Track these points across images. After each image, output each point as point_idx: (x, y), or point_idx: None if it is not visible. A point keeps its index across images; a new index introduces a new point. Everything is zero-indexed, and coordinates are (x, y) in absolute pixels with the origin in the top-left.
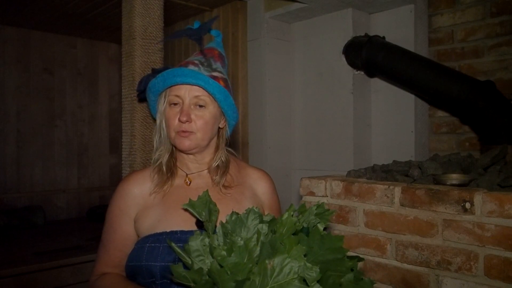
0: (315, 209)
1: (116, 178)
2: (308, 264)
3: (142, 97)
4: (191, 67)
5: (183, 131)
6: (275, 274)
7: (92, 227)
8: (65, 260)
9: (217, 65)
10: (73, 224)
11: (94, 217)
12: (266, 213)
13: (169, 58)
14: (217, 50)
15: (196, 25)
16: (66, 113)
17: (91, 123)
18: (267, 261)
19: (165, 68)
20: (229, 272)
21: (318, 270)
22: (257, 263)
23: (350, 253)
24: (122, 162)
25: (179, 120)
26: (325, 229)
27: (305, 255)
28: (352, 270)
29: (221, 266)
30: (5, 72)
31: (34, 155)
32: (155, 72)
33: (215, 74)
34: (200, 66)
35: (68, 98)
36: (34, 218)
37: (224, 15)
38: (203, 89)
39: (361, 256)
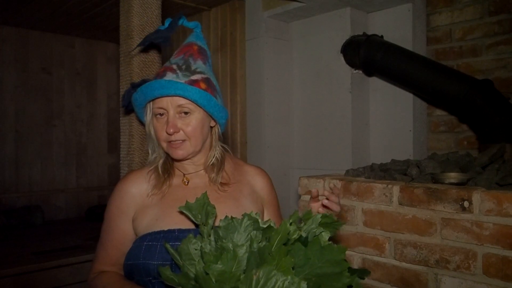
0: (320, 218)
1: (114, 178)
2: (296, 278)
3: (129, 109)
4: (169, 75)
5: (174, 141)
6: (259, 286)
7: (90, 227)
8: (64, 260)
9: (197, 64)
10: (72, 224)
11: (93, 216)
12: (266, 208)
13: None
14: (197, 44)
15: (166, 23)
16: (65, 112)
17: (90, 123)
18: (253, 271)
19: (143, 81)
20: (214, 280)
21: (306, 285)
22: (244, 272)
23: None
24: (121, 161)
25: (167, 132)
26: (331, 238)
27: (295, 267)
28: (351, 286)
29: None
30: (3, 71)
31: (32, 155)
32: (134, 86)
33: (194, 77)
34: (178, 72)
35: (66, 97)
36: (33, 218)
37: (223, 14)
38: (184, 97)
39: (362, 256)
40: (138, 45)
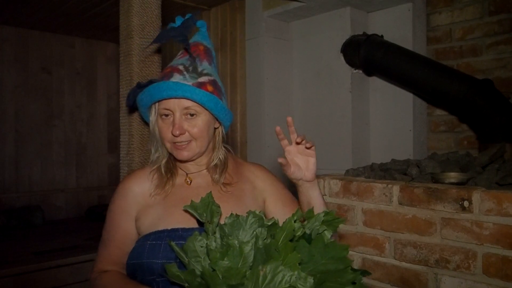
0: (323, 216)
1: (114, 178)
2: (303, 274)
3: (132, 109)
4: (176, 76)
5: (179, 143)
6: (266, 281)
7: (90, 227)
8: (64, 260)
9: (204, 65)
10: (72, 223)
11: (93, 216)
12: (272, 197)
13: (168, 57)
14: (203, 44)
15: (178, 21)
16: (65, 112)
17: (90, 123)
18: (260, 267)
19: (150, 82)
20: (220, 276)
21: (312, 280)
22: (251, 268)
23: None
24: (120, 161)
25: (173, 134)
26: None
27: (300, 263)
28: (354, 283)
29: (215, 269)
30: (3, 71)
31: (32, 155)
32: (141, 86)
33: (202, 79)
34: (186, 73)
35: (66, 97)
36: (33, 218)
37: (222, 14)
38: (192, 100)
39: (362, 255)
40: (153, 42)
